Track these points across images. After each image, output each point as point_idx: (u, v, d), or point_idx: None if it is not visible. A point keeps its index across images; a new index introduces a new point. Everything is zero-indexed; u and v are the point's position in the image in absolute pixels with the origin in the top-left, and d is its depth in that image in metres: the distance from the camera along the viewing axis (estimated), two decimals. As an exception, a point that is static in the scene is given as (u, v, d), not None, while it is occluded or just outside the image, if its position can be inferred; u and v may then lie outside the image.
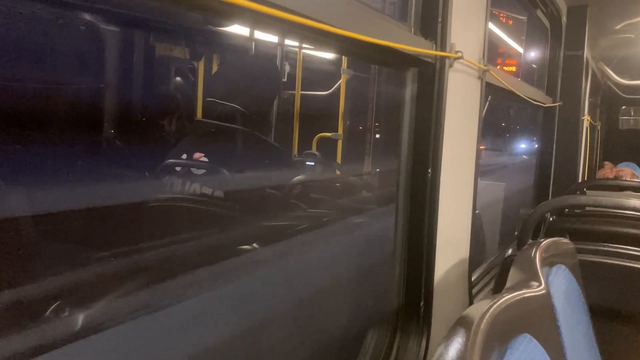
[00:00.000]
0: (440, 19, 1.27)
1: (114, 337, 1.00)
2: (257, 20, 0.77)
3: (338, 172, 3.42)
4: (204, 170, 1.93)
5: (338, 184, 2.51)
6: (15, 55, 2.60)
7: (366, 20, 0.99)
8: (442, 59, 1.28)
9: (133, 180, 2.50)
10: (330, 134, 5.08)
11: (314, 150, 5.05)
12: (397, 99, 1.35)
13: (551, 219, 2.69)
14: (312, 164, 4.19)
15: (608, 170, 4.96)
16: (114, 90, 3.23)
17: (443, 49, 1.28)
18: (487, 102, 4.60)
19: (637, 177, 4.83)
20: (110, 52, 3.28)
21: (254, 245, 1.41)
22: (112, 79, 3.29)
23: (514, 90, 2.00)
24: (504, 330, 0.94)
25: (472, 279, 1.84)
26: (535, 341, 1.01)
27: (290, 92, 5.05)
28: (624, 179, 4.66)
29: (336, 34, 0.86)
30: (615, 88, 6.07)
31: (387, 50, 1.08)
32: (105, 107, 3.24)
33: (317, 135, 5.08)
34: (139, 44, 3.47)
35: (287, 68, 4.90)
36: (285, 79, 4.91)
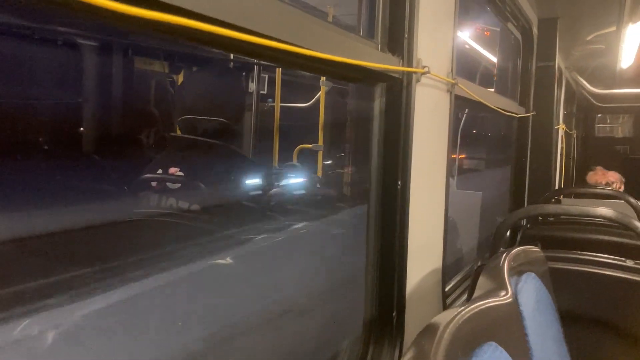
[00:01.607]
0: (406, 35, 1.30)
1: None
2: (225, 45, 0.78)
3: (318, 185, 3.44)
4: (179, 185, 1.95)
5: (315, 196, 2.53)
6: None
7: (333, 39, 1.01)
8: (409, 74, 1.31)
9: (110, 195, 2.50)
10: (310, 146, 5.10)
11: (294, 161, 5.07)
12: (372, 110, 1.38)
13: (526, 227, 2.73)
14: (293, 175, 4.20)
15: (600, 175, 5.01)
16: (91, 105, 3.22)
17: (410, 64, 1.31)
18: (464, 114, 4.67)
19: (622, 184, 4.90)
20: (88, 67, 3.27)
21: (228, 259, 1.43)
22: (90, 94, 3.28)
23: (485, 102, 2.04)
24: (469, 339, 0.96)
25: (447, 288, 1.87)
26: (501, 349, 1.03)
27: (269, 104, 5.07)
28: (613, 184, 4.74)
29: (303, 54, 0.88)
30: (589, 97, 6.19)
31: (354, 68, 1.10)
32: (82, 122, 3.23)
33: (298, 147, 5.10)
34: (117, 58, 3.46)
35: (262, 81, 4.92)
36: (264, 92, 4.93)
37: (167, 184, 2.06)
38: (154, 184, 2.07)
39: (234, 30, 0.70)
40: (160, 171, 2.07)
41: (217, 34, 0.67)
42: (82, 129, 3.17)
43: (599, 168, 5.09)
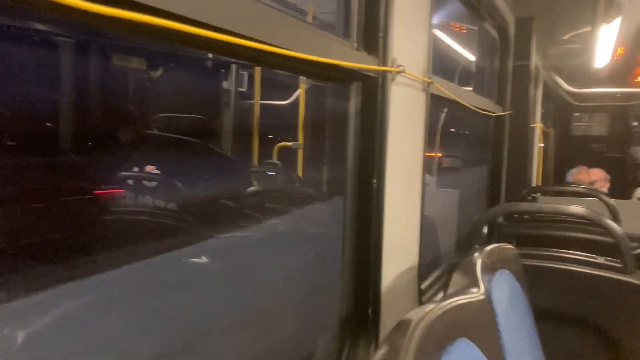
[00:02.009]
0: (381, 34, 1.31)
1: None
2: (199, 44, 0.78)
3: (297, 183, 3.44)
4: (155, 183, 1.94)
5: (294, 194, 2.54)
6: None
7: (308, 38, 1.02)
8: (384, 73, 1.32)
9: (86, 193, 2.47)
10: (290, 144, 5.10)
11: (274, 159, 5.06)
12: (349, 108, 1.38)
13: (503, 224, 2.77)
14: (273, 173, 4.20)
15: (584, 174, 5.08)
16: (67, 102, 3.19)
17: (385, 63, 1.31)
18: (444, 113, 4.70)
19: (607, 182, 4.98)
20: (65, 63, 3.23)
21: (203, 258, 1.42)
22: (67, 90, 3.24)
23: (461, 101, 2.06)
24: (441, 335, 0.97)
25: (424, 285, 1.88)
26: (472, 345, 1.05)
27: (249, 101, 5.05)
28: (597, 182, 4.82)
29: (278, 53, 0.88)
30: (566, 96, 6.28)
31: (329, 67, 1.11)
32: (60, 119, 3.19)
33: (277, 145, 5.10)
34: (95, 55, 3.43)
35: (241, 78, 4.90)
36: (243, 89, 4.91)
37: (144, 182, 2.04)
38: (130, 182, 2.06)
39: (210, 31, 0.70)
40: (136, 169, 2.06)
41: (194, 34, 0.67)
42: (58, 125, 3.14)
43: (583, 167, 5.17)
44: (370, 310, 1.39)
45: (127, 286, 1.22)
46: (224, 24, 0.74)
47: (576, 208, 1.85)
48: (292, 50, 0.93)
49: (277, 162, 4.92)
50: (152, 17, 0.60)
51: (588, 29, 3.29)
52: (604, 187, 4.88)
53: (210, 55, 3.89)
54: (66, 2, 0.51)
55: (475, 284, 1.21)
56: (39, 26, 3.07)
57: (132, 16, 0.57)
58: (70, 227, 2.00)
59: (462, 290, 1.17)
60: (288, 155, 5.09)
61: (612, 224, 1.84)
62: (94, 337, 1.13)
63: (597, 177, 4.94)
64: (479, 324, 1.16)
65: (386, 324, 1.44)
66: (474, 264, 1.29)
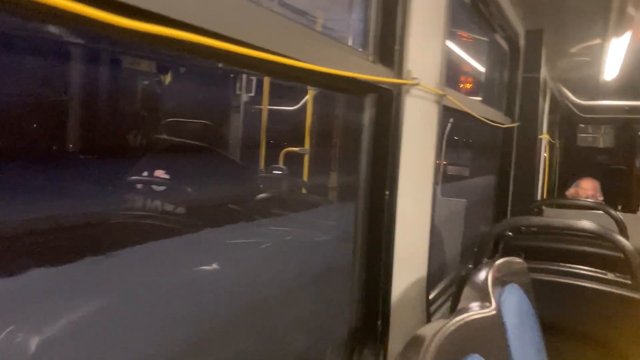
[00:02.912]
0: (397, 47, 1.31)
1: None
2: (215, 55, 0.78)
3: (303, 190, 3.45)
4: (163, 187, 1.94)
5: (301, 200, 2.54)
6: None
7: (324, 50, 1.02)
8: (399, 85, 1.32)
9: (95, 196, 2.48)
10: (297, 149, 5.11)
11: (281, 164, 5.07)
12: (360, 117, 1.39)
13: (510, 236, 2.76)
14: (279, 178, 4.20)
15: (581, 190, 5.01)
16: (77, 103, 3.20)
17: (400, 76, 1.32)
18: (450, 122, 4.71)
19: (599, 192, 4.95)
20: (75, 65, 3.24)
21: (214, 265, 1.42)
22: (76, 92, 3.25)
23: (472, 113, 2.06)
24: (454, 351, 0.98)
25: (431, 296, 1.88)
26: (483, 360, 1.05)
27: (257, 107, 5.07)
28: (592, 196, 4.78)
29: (294, 66, 0.89)
30: (573, 107, 6.28)
31: (345, 79, 1.11)
32: (68, 120, 3.20)
33: (284, 150, 5.11)
34: (104, 57, 3.44)
35: (250, 83, 4.91)
36: (252, 94, 4.93)
37: (153, 186, 2.05)
38: (139, 185, 2.06)
39: (222, 41, 0.70)
40: (145, 173, 2.06)
41: (205, 44, 0.67)
42: (67, 128, 3.15)
43: (581, 181, 5.11)
44: (379, 322, 1.39)
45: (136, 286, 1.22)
46: (236, 35, 0.74)
47: (586, 223, 1.85)
48: (307, 62, 0.93)
49: (283, 167, 4.93)
50: (163, 28, 0.59)
51: (597, 41, 3.30)
52: (599, 196, 4.85)
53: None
54: (76, 10, 0.51)
55: (486, 298, 1.21)
56: (49, 29, 3.08)
57: (142, 27, 0.56)
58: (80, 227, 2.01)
59: (474, 305, 1.17)
60: (293, 162, 5.10)
61: (622, 239, 1.84)
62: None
63: (591, 190, 4.89)
64: (490, 339, 1.16)
65: (395, 335, 1.43)
66: (485, 279, 1.29)
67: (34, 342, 0.96)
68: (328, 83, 1.21)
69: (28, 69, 2.91)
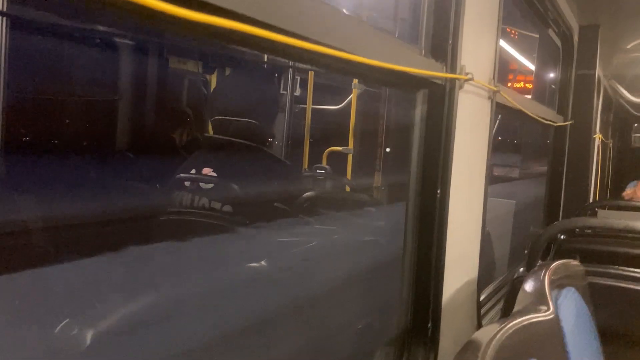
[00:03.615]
0: (450, 41, 1.27)
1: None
2: (267, 47, 0.77)
3: (348, 188, 3.42)
4: (211, 185, 1.95)
5: (347, 200, 2.51)
6: (31, 68, 2.64)
7: (376, 44, 1.00)
8: (452, 80, 1.29)
9: (143, 193, 2.52)
10: (340, 148, 5.09)
11: (324, 164, 5.06)
12: (408, 115, 1.36)
13: (562, 238, 2.67)
14: (322, 178, 4.19)
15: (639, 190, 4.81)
16: (126, 103, 3.26)
17: (453, 70, 1.28)
18: (497, 120, 4.59)
19: None
20: (124, 65, 3.31)
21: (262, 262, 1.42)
22: (125, 92, 3.32)
23: (525, 110, 1.99)
24: (511, 356, 0.94)
25: (481, 298, 1.83)
26: (542, 366, 1.00)
27: (301, 106, 5.07)
28: None
29: (346, 59, 0.87)
30: (627, 106, 6.04)
31: (397, 73, 1.08)
32: (118, 120, 3.27)
33: (328, 149, 5.10)
34: (152, 57, 3.50)
35: (295, 83, 4.91)
36: (297, 93, 4.93)
37: (200, 184, 2.06)
38: (187, 183, 2.08)
39: (273, 32, 0.69)
40: (193, 171, 2.08)
41: (254, 35, 0.66)
42: (116, 126, 3.22)
43: (639, 182, 4.90)
44: (429, 324, 1.36)
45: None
46: (286, 25, 0.72)
47: None
48: (358, 55, 0.91)
49: (327, 166, 4.92)
50: (215, 18, 0.58)
51: (656, 37, 3.16)
52: None
53: (266, 59, 3.92)
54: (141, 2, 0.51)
55: (544, 301, 1.16)
56: (100, 28, 3.15)
57: (188, 15, 0.56)
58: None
59: (531, 308, 1.12)
60: (336, 161, 5.08)
61: None
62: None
63: None
64: (548, 343, 1.12)
65: (445, 338, 1.40)
66: (542, 281, 1.24)
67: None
68: (379, 77, 1.18)
69: (78, 67, 2.98)
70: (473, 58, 1.39)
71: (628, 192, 4.77)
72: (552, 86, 3.33)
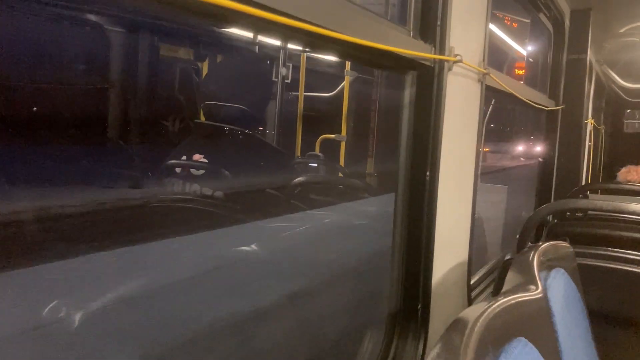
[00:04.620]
0: (439, 23, 1.27)
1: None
2: (256, 25, 0.77)
3: (340, 175, 3.42)
4: (202, 171, 1.95)
5: (339, 186, 2.52)
6: (19, 55, 2.61)
7: (365, 24, 0.99)
8: (441, 62, 1.28)
9: (134, 180, 2.51)
10: (333, 136, 5.09)
11: (317, 151, 5.06)
12: (399, 102, 1.35)
13: (554, 222, 2.68)
14: (315, 165, 4.19)
15: (634, 173, 4.83)
16: (117, 91, 3.24)
17: (442, 52, 1.28)
18: (491, 105, 4.59)
19: None
20: (114, 53, 3.29)
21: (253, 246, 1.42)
22: (115, 80, 3.30)
23: (515, 94, 1.99)
24: (499, 334, 0.94)
25: (472, 281, 1.84)
26: (530, 345, 1.01)
27: (293, 93, 5.06)
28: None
29: (335, 37, 0.86)
30: (619, 91, 6.05)
31: (385, 54, 1.08)
32: (109, 108, 3.25)
33: (320, 137, 5.09)
34: (143, 45, 3.48)
35: (286, 70, 4.89)
36: (288, 80, 4.91)
37: (191, 170, 2.06)
38: (178, 169, 2.08)
39: (263, 10, 0.68)
40: (184, 157, 2.07)
41: (244, 12, 0.65)
42: (107, 114, 3.20)
43: (631, 167, 4.92)
44: (419, 306, 1.37)
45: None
46: (277, 5, 0.72)
47: (637, 206, 1.77)
48: (348, 35, 0.90)
49: (320, 154, 4.92)
50: None
51: (649, 21, 3.16)
52: None
53: (257, 47, 3.90)
54: None
55: (532, 281, 1.17)
56: (90, 16, 3.12)
57: None
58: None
59: (519, 288, 1.13)
60: (329, 148, 5.08)
61: None
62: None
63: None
64: (536, 323, 1.12)
65: (435, 319, 1.40)
66: (531, 262, 1.25)
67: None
68: (369, 58, 1.18)
69: (68, 54, 2.96)
70: (462, 40, 1.39)
71: (623, 170, 4.78)
72: (539, 69, 3.33)
